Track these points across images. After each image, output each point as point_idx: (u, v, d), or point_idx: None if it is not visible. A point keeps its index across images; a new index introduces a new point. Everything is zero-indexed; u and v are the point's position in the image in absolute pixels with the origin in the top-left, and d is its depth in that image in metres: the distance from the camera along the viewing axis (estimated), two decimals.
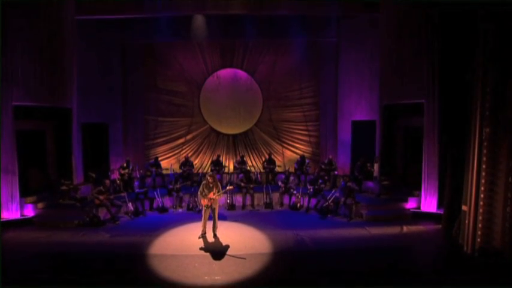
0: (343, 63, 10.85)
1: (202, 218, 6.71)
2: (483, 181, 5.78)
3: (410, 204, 8.26)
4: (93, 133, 10.12)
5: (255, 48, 11.45)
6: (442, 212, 7.29)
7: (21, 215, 7.76)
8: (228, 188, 7.07)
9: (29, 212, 7.90)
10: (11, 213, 7.59)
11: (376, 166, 9.16)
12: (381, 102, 9.22)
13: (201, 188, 6.64)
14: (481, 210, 5.82)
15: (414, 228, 7.40)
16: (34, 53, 7.77)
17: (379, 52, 9.05)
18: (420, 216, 7.91)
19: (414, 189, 8.41)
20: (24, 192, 8.01)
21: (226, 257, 5.95)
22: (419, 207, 8.14)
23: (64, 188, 8.48)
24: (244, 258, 5.76)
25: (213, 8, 8.85)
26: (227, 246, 6.34)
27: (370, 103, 10.17)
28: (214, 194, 6.54)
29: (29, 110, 8.00)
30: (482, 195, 5.80)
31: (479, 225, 5.83)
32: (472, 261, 5.75)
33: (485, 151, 5.74)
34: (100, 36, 10.02)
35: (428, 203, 7.93)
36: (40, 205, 8.11)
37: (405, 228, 7.36)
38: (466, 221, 6.07)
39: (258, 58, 11.58)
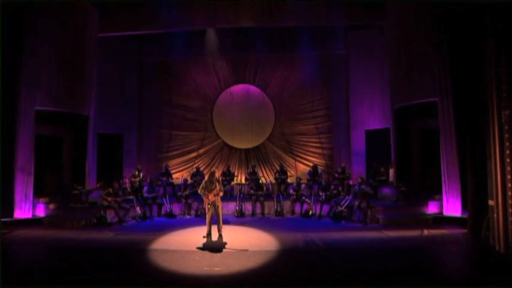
0: (354, 74, 10.90)
1: (207, 216, 6.48)
2: (508, 168, 5.27)
3: (431, 209, 7.62)
4: (109, 143, 10.47)
5: (267, 63, 11.79)
6: (467, 216, 6.62)
7: (33, 215, 7.86)
8: (228, 185, 6.87)
9: (41, 212, 8.01)
10: (24, 212, 7.71)
11: (391, 171, 8.68)
12: (393, 106, 9.00)
13: (203, 183, 6.48)
14: (510, 202, 5.24)
15: (436, 231, 6.72)
16: (58, 62, 8.41)
17: (387, 55, 9.04)
18: (443, 220, 7.23)
19: (434, 193, 7.80)
20: (38, 194, 8.18)
21: (228, 251, 5.67)
22: (441, 213, 7.47)
23: (76, 192, 8.61)
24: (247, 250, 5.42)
25: (223, 21, 9.38)
26: (231, 243, 6.04)
27: (383, 111, 9.97)
28: (216, 191, 6.34)
29: (50, 115, 8.44)
30: (509, 185, 5.25)
31: (511, 219, 5.22)
32: (507, 261, 5.01)
33: (506, 135, 5.31)
34: (119, 52, 10.78)
35: (451, 206, 7.27)
36: (51, 206, 8.22)
37: (426, 232, 6.71)
38: (495, 216, 5.46)
39: (270, 73, 11.87)
